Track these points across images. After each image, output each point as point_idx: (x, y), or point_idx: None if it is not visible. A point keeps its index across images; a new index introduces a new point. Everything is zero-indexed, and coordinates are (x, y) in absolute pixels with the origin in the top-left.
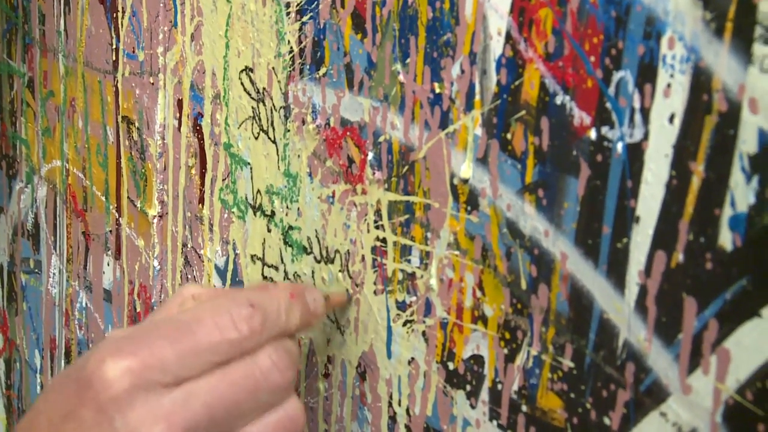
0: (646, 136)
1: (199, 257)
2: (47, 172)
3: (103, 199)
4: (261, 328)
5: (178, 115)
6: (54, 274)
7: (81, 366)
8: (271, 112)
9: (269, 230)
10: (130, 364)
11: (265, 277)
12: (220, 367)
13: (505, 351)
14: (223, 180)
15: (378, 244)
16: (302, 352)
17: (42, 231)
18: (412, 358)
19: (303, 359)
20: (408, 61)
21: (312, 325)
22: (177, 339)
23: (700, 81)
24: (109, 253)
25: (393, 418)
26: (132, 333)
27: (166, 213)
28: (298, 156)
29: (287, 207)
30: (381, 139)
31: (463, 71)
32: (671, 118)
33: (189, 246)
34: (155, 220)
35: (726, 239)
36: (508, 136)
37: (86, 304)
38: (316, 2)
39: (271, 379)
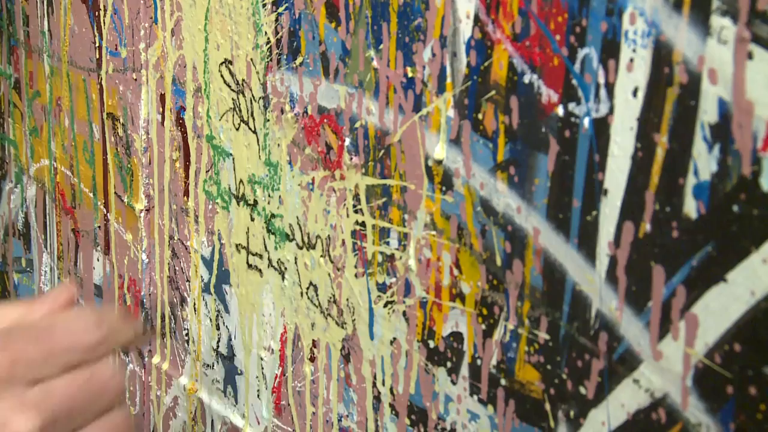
0: (611, 111)
1: (186, 249)
2: (36, 172)
3: (91, 195)
4: (106, 338)
5: (161, 109)
6: (45, 272)
7: None
8: (251, 103)
9: (252, 219)
10: (0, 359)
11: (250, 266)
12: (72, 370)
13: (483, 327)
14: (207, 172)
15: (357, 228)
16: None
17: (32, 230)
18: (394, 338)
19: (290, 344)
20: (381, 47)
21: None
22: (39, 339)
23: (662, 54)
24: (99, 248)
25: (378, 398)
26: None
27: (153, 206)
28: (278, 145)
29: (269, 195)
30: (357, 124)
31: (434, 55)
32: (635, 92)
33: (176, 238)
34: (142, 214)
35: (690, 207)
36: (480, 116)
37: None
38: None
39: (111, 384)
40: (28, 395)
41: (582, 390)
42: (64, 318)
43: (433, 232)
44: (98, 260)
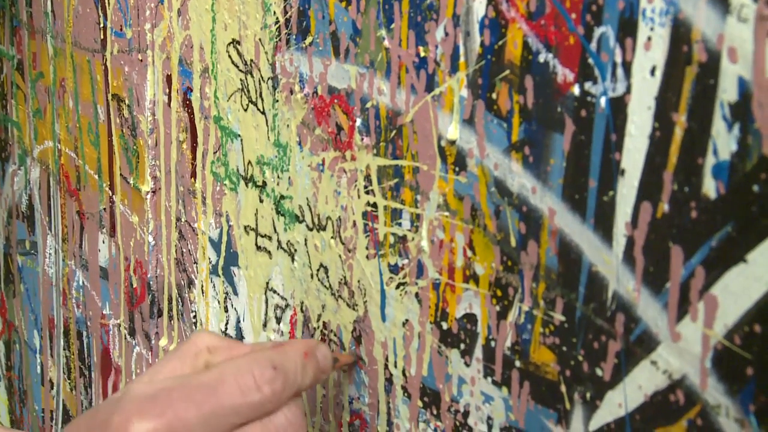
0: (628, 90)
1: (193, 230)
2: (39, 154)
3: (96, 177)
4: (282, 390)
5: (167, 90)
6: (50, 254)
7: (105, 421)
8: (260, 84)
9: (261, 200)
10: (156, 426)
11: (258, 248)
12: (240, 428)
13: (497, 308)
14: (215, 153)
15: (369, 209)
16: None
17: (36, 212)
18: (406, 320)
19: (300, 326)
20: (392, 26)
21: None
22: (201, 401)
23: (680, 33)
24: (104, 230)
25: (389, 380)
26: (156, 392)
27: (159, 188)
28: (288, 125)
29: (278, 177)
30: (368, 104)
31: (447, 34)
32: (653, 71)
33: (183, 220)
34: (148, 196)
35: (710, 187)
36: (494, 95)
37: (83, 282)
38: None
39: None
40: None
41: (598, 372)
42: (234, 371)
43: (446, 213)
44: (103, 242)
